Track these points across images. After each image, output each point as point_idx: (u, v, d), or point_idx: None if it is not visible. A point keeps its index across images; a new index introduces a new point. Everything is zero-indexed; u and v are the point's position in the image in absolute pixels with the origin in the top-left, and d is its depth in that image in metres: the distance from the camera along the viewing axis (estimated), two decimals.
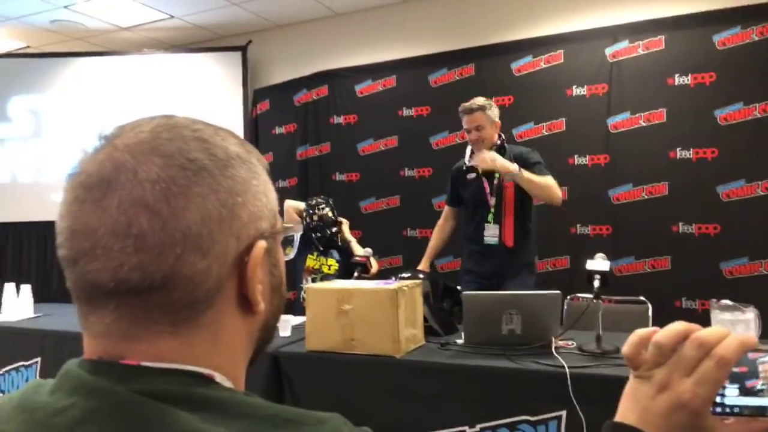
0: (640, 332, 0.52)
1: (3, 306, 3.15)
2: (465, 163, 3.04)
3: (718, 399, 0.50)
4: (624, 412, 0.53)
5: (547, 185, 2.81)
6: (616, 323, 2.56)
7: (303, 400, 2.17)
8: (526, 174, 2.76)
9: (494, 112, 2.92)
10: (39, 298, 3.31)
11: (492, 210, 2.92)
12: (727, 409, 0.50)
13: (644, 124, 3.77)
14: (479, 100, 2.92)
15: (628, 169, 3.80)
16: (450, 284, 2.79)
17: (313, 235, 3.32)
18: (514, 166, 2.75)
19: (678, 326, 0.52)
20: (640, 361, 0.52)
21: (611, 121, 3.85)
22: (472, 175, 2.99)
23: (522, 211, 2.93)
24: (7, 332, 2.94)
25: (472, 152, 2.97)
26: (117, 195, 0.44)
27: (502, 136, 2.98)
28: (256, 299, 0.49)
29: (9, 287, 3.20)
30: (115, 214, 0.43)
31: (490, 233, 2.91)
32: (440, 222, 3.29)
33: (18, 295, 3.18)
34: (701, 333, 0.51)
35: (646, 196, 3.76)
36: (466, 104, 2.94)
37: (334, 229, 3.35)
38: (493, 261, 2.93)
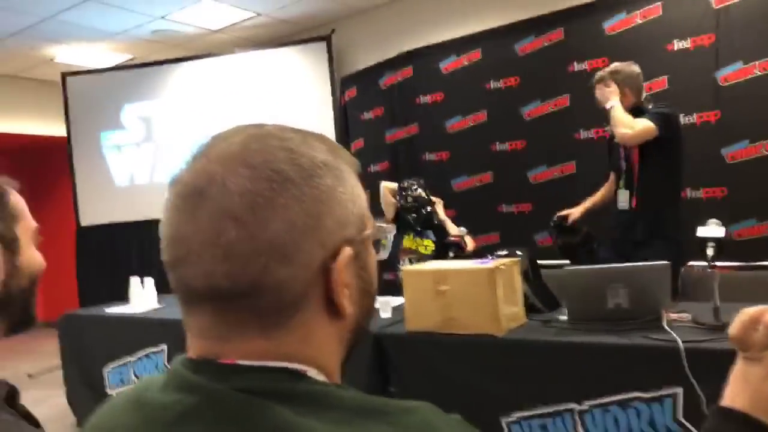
0: (749, 311, 0.49)
1: (131, 298, 3.47)
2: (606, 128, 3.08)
3: None
4: (733, 396, 0.49)
5: (621, 120, 2.71)
6: (740, 293, 2.37)
7: (406, 379, 2.22)
8: (616, 108, 2.73)
9: (626, 74, 2.83)
10: (161, 290, 3.60)
11: (623, 175, 2.86)
12: None
13: (759, 74, 3.42)
14: (603, 72, 2.87)
15: (743, 125, 3.47)
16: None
17: (409, 216, 3.35)
18: (611, 101, 2.75)
19: None
20: (750, 342, 0.49)
21: (721, 74, 3.54)
22: (615, 140, 2.92)
23: (653, 175, 2.78)
24: (136, 322, 3.24)
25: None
26: (208, 206, 0.46)
27: (644, 96, 2.87)
28: (342, 303, 0.50)
29: (134, 281, 3.51)
30: (205, 224, 0.46)
31: (622, 199, 2.86)
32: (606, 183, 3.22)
33: (143, 288, 3.48)
34: None
35: (765, 152, 3.43)
36: (593, 77, 2.92)
37: (429, 209, 3.36)
38: (623, 228, 2.85)
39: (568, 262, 2.79)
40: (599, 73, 2.89)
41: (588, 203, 3.15)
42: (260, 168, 0.47)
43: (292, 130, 0.52)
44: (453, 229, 3.27)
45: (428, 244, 3.36)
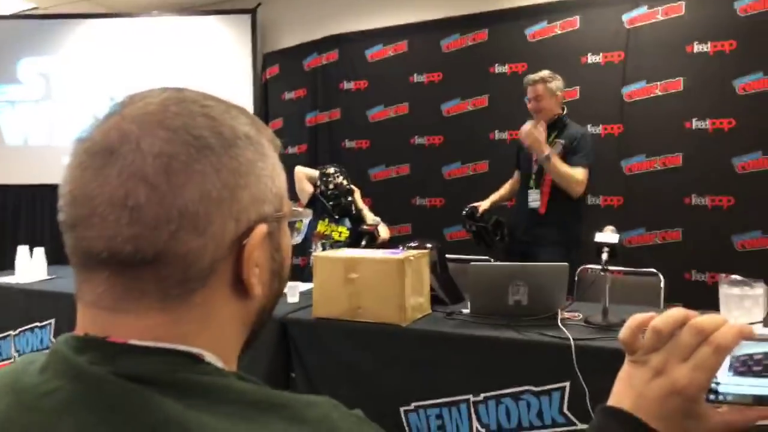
0: (637, 317, 0.52)
1: (17, 268, 3.21)
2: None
3: (712, 386, 0.50)
4: (618, 397, 0.52)
5: (568, 177, 2.89)
6: (627, 295, 2.56)
7: (310, 366, 2.21)
8: (554, 161, 2.87)
9: (556, 85, 3.00)
10: (52, 260, 3.36)
11: (533, 176, 3.03)
12: (721, 397, 0.50)
13: (660, 93, 3.69)
14: (544, 72, 3.01)
15: (642, 140, 3.74)
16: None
17: (329, 203, 3.33)
18: (545, 152, 2.87)
19: (676, 312, 0.51)
20: (636, 345, 0.52)
21: (626, 90, 3.78)
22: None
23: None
24: (21, 294, 3.00)
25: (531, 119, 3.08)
26: (118, 165, 0.43)
27: (564, 109, 3.05)
28: (251, 283, 0.48)
29: (22, 250, 3.24)
30: (114, 183, 0.43)
31: (533, 198, 3.02)
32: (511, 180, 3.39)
33: (31, 258, 3.23)
34: (699, 319, 0.50)
35: (659, 167, 3.70)
36: (531, 75, 3.05)
37: (349, 198, 3.36)
38: (529, 225, 3.04)
39: (475, 257, 2.88)
40: (536, 75, 3.02)
41: (494, 197, 3.32)
42: (179, 131, 0.45)
43: (213, 98, 0.49)
44: (369, 219, 3.29)
45: (343, 231, 3.35)
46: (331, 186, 3.33)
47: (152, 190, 0.43)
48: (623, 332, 0.52)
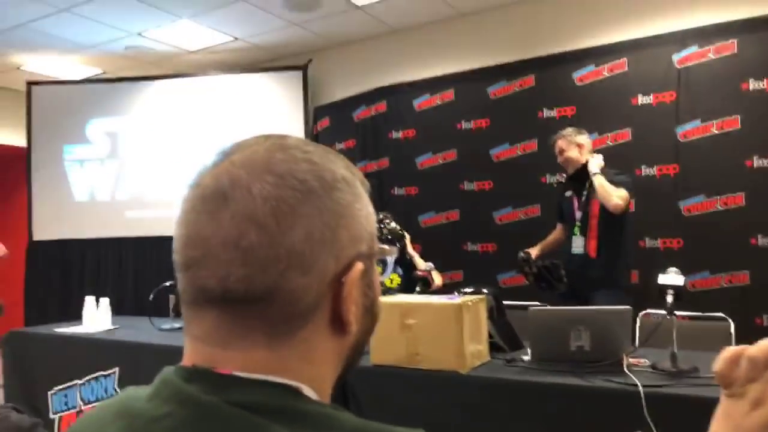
0: (731, 349, 0.51)
1: (84, 318, 3.33)
2: (555, 183, 3.47)
3: None
4: None
5: (605, 188, 2.99)
6: (694, 341, 2.44)
7: (367, 413, 2.18)
8: (598, 178, 3.00)
9: (577, 138, 3.19)
10: (115, 311, 3.48)
11: (578, 223, 3.13)
12: None
13: (716, 132, 3.61)
14: (566, 130, 3.24)
15: (700, 180, 3.64)
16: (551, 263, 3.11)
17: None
18: (595, 169, 3.05)
19: None
20: (732, 378, 0.51)
21: (680, 130, 3.71)
22: (569, 193, 3.26)
23: (611, 226, 3.05)
24: (88, 343, 3.11)
25: (566, 173, 3.32)
26: (231, 208, 0.46)
27: (592, 156, 3.15)
28: (348, 319, 0.50)
29: (89, 300, 3.38)
30: (227, 226, 0.46)
31: (577, 244, 3.12)
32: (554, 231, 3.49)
33: (98, 308, 3.35)
34: None
35: (720, 208, 3.58)
36: (555, 135, 3.29)
37: (402, 243, 3.38)
38: (578, 272, 3.08)
39: (532, 303, 2.83)
40: (565, 130, 3.23)
41: (542, 244, 3.38)
42: (285, 176, 0.48)
43: (313, 144, 0.53)
44: (421, 264, 3.28)
45: (394, 278, 3.36)
46: (385, 231, 3.36)
47: (263, 232, 0.46)
48: (718, 364, 0.51)
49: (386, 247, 0.71)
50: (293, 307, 0.47)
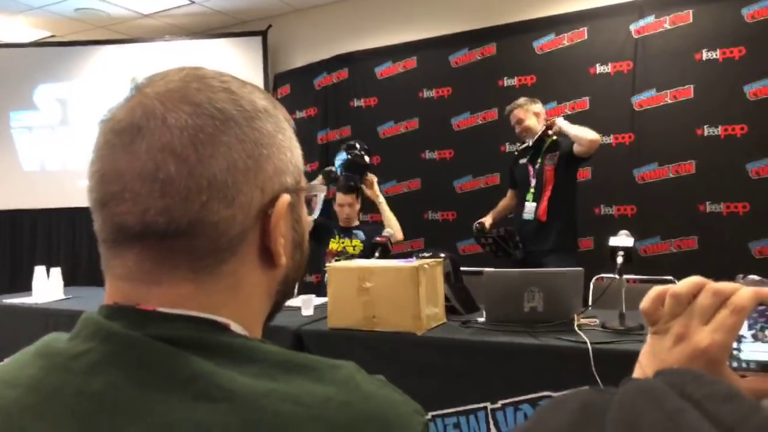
0: (657, 288, 0.52)
1: (34, 288, 3.24)
2: (516, 151, 3.50)
3: (734, 352, 0.49)
4: (642, 368, 0.52)
5: (579, 128, 3.03)
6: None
7: None
8: (569, 125, 3.04)
9: (533, 107, 3.25)
10: (68, 281, 3.39)
11: (533, 189, 3.19)
12: (744, 364, 0.50)
13: (670, 102, 3.68)
14: (520, 100, 3.29)
15: (654, 148, 3.72)
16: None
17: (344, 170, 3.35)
18: (557, 119, 3.12)
19: (694, 278, 0.52)
20: (657, 315, 0.52)
21: (636, 99, 3.78)
22: (523, 161, 3.31)
23: (561, 193, 3.14)
24: (38, 313, 3.02)
25: (523, 141, 3.36)
26: (146, 140, 0.44)
27: (546, 123, 3.17)
28: (278, 252, 0.49)
29: (39, 270, 3.28)
30: (143, 158, 0.44)
31: (528, 210, 3.19)
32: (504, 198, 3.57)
33: (48, 278, 3.26)
34: (716, 283, 0.51)
35: (672, 175, 3.68)
36: (509, 105, 3.34)
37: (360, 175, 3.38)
38: (530, 237, 3.16)
39: (490, 269, 2.87)
40: (519, 100, 3.28)
41: (493, 213, 3.46)
42: (202, 105, 0.46)
43: (229, 75, 0.51)
44: (388, 212, 3.39)
45: (356, 244, 3.36)
46: (350, 157, 3.35)
47: (181, 162, 0.44)
48: (644, 302, 0.52)
49: (315, 184, 0.70)
50: (219, 239, 0.46)
